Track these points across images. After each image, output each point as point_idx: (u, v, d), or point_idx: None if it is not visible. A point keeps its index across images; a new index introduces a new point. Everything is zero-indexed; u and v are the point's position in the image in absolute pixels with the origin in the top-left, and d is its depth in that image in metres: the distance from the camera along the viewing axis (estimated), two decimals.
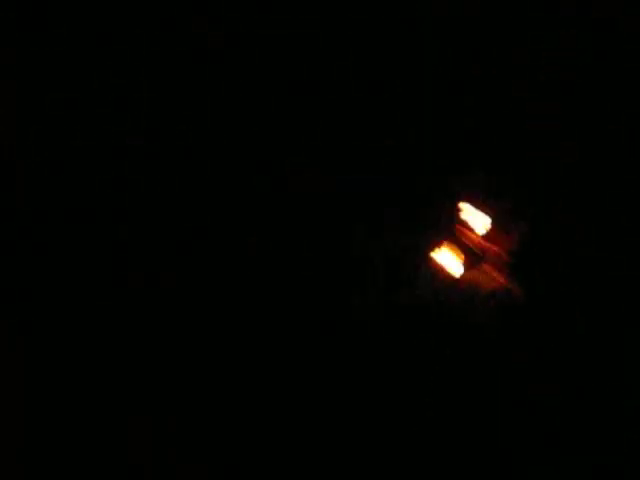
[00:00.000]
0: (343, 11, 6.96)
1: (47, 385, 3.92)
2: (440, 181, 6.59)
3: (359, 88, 6.92)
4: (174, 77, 7.06)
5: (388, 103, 7.03)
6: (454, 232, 6.51)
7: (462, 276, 6.39)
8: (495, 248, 6.53)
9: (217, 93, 7.09)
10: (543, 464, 3.46)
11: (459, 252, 6.51)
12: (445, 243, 6.48)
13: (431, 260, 6.32)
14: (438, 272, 6.16)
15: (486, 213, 6.49)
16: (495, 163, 6.57)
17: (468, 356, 4.61)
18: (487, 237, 6.47)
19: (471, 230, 6.53)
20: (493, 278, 6.47)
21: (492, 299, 5.77)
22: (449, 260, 6.37)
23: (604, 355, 4.25)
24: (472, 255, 6.53)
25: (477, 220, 6.51)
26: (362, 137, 6.46)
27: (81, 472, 3.36)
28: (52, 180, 6.47)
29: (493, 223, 6.48)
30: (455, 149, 6.60)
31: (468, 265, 6.48)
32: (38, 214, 6.18)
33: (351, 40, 7.02)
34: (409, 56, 6.93)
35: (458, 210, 6.51)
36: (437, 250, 6.39)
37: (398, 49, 6.96)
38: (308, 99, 6.85)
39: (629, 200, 5.94)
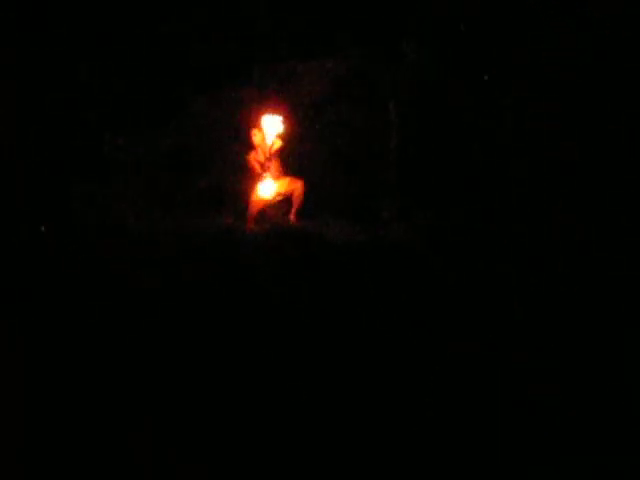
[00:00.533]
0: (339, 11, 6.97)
1: (47, 385, 3.93)
2: None
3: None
4: (173, 77, 7.06)
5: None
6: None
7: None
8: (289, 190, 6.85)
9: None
10: (539, 464, 3.47)
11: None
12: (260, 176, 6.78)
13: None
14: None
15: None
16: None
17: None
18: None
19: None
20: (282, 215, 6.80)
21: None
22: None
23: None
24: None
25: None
26: None
27: (81, 472, 3.36)
28: (52, 180, 6.48)
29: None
30: None
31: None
32: (38, 214, 6.19)
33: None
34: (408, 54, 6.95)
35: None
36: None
37: (397, 48, 6.97)
38: None
39: (628, 200, 5.94)
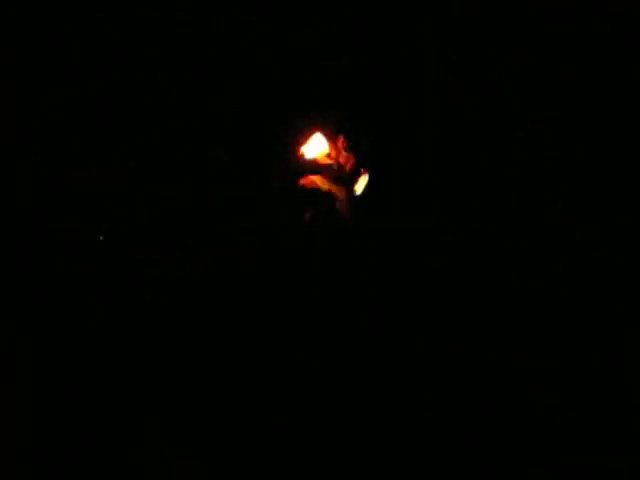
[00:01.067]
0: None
1: (47, 384, 3.93)
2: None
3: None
4: (174, 79, 7.06)
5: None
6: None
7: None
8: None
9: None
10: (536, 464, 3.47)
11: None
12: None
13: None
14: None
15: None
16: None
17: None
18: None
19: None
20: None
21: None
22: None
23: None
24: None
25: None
26: None
27: (79, 468, 3.37)
28: (52, 180, 6.48)
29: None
30: None
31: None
32: (38, 214, 6.19)
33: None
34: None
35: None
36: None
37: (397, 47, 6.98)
38: None
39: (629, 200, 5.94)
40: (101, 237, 5.87)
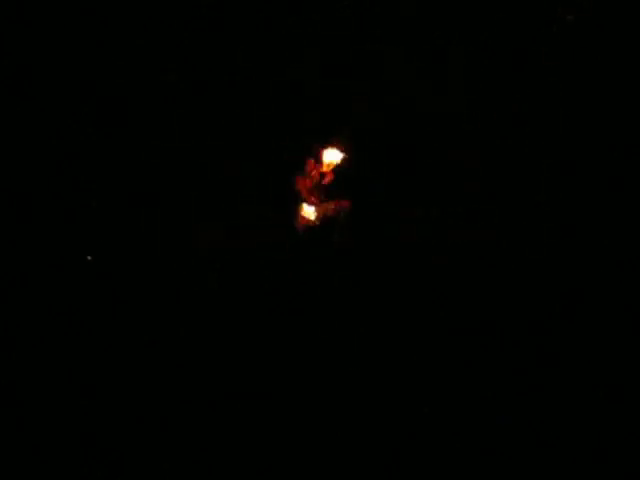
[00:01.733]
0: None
1: (47, 384, 3.94)
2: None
3: None
4: (173, 79, 7.06)
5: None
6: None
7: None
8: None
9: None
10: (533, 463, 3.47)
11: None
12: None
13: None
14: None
15: None
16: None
17: None
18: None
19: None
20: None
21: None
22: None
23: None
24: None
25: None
26: None
27: (80, 471, 3.37)
28: (52, 180, 6.48)
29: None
30: None
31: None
32: (38, 214, 6.19)
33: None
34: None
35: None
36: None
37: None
38: None
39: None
40: (89, 257, 5.88)
